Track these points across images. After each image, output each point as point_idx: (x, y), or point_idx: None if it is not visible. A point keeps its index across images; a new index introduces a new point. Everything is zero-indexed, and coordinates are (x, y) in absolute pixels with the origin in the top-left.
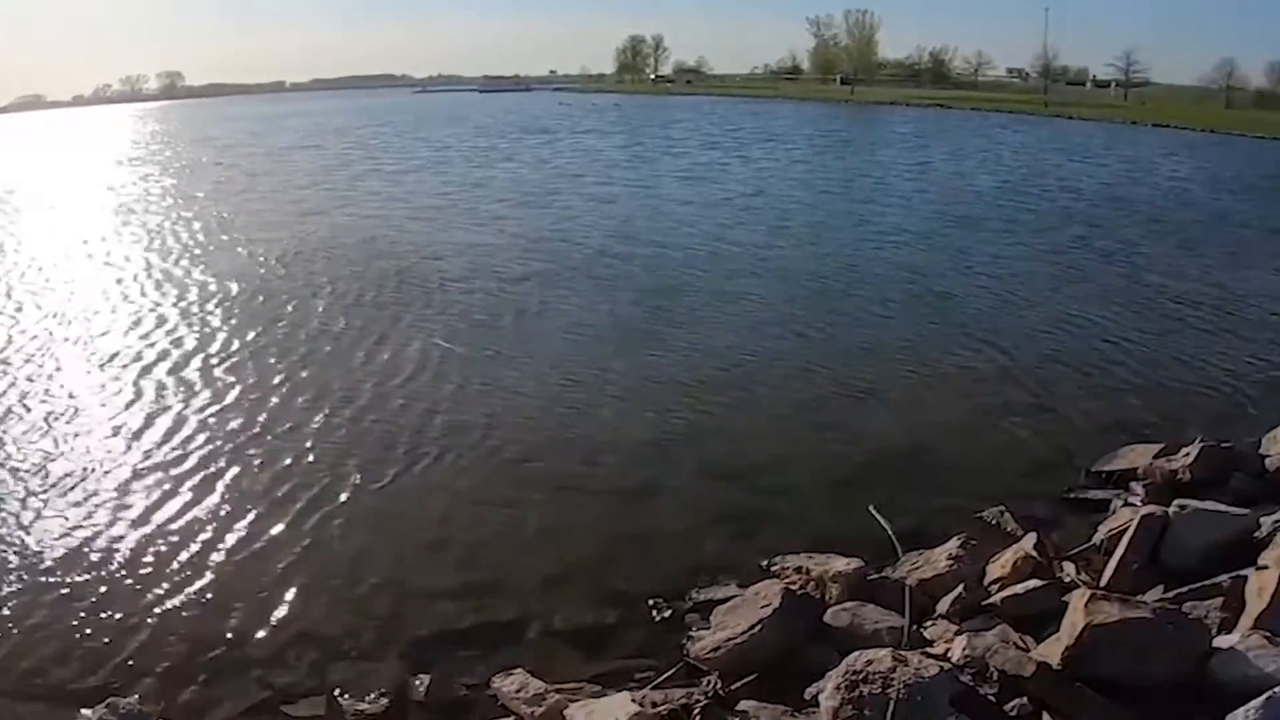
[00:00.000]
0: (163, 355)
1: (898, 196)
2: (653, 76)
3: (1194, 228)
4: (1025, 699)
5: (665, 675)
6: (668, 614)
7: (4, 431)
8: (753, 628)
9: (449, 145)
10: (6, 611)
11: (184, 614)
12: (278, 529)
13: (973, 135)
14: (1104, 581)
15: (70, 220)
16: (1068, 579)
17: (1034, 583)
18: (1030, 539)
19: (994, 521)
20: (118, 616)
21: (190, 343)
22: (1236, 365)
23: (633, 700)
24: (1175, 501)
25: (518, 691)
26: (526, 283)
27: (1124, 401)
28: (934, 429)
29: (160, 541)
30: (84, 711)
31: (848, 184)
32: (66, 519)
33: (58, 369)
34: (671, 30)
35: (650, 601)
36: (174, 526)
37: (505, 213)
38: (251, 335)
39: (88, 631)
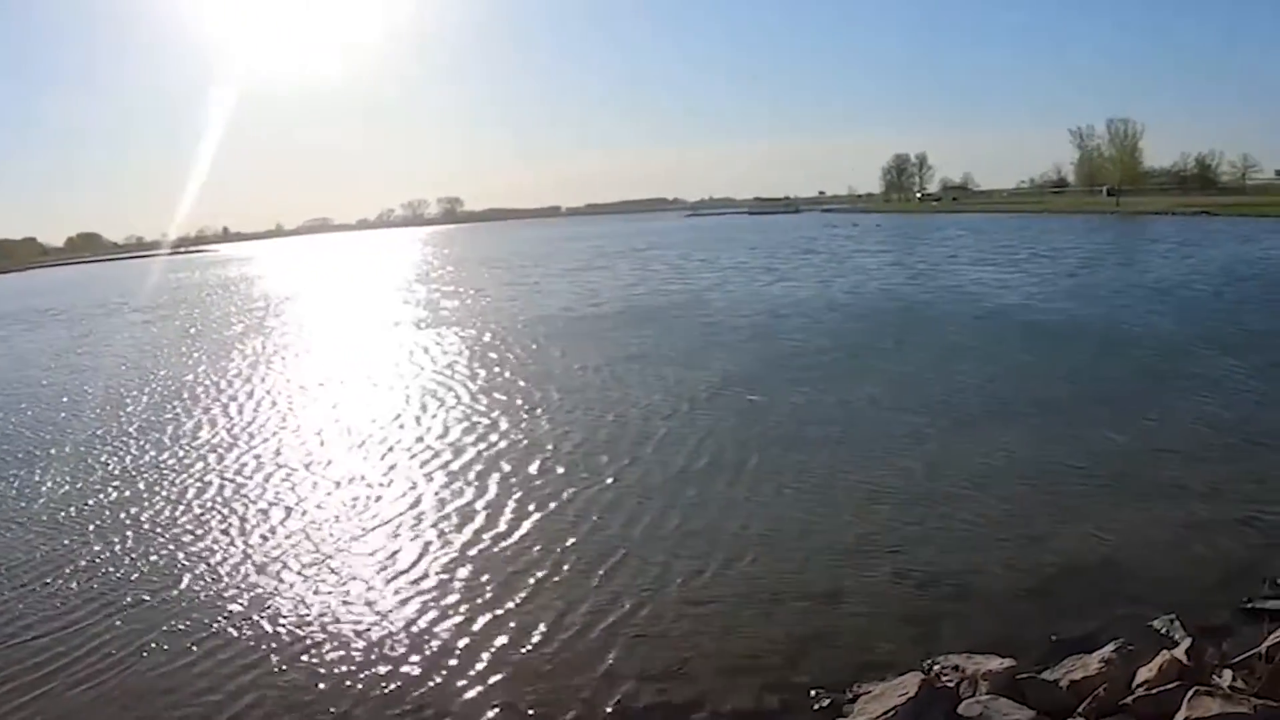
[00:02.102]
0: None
1: (1157, 305)
2: (919, 195)
3: None
4: None
5: None
6: (826, 703)
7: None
8: (886, 713)
9: (727, 266)
10: None
11: None
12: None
13: (1240, 244)
14: (1259, 689)
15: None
16: (1225, 684)
17: (1172, 684)
18: (1184, 644)
19: (1163, 629)
20: None
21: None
22: None
23: None
24: None
25: None
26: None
27: None
28: (1127, 542)
29: None
30: None
31: (1116, 294)
32: None
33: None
34: (935, 147)
35: (813, 692)
36: None
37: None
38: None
39: None
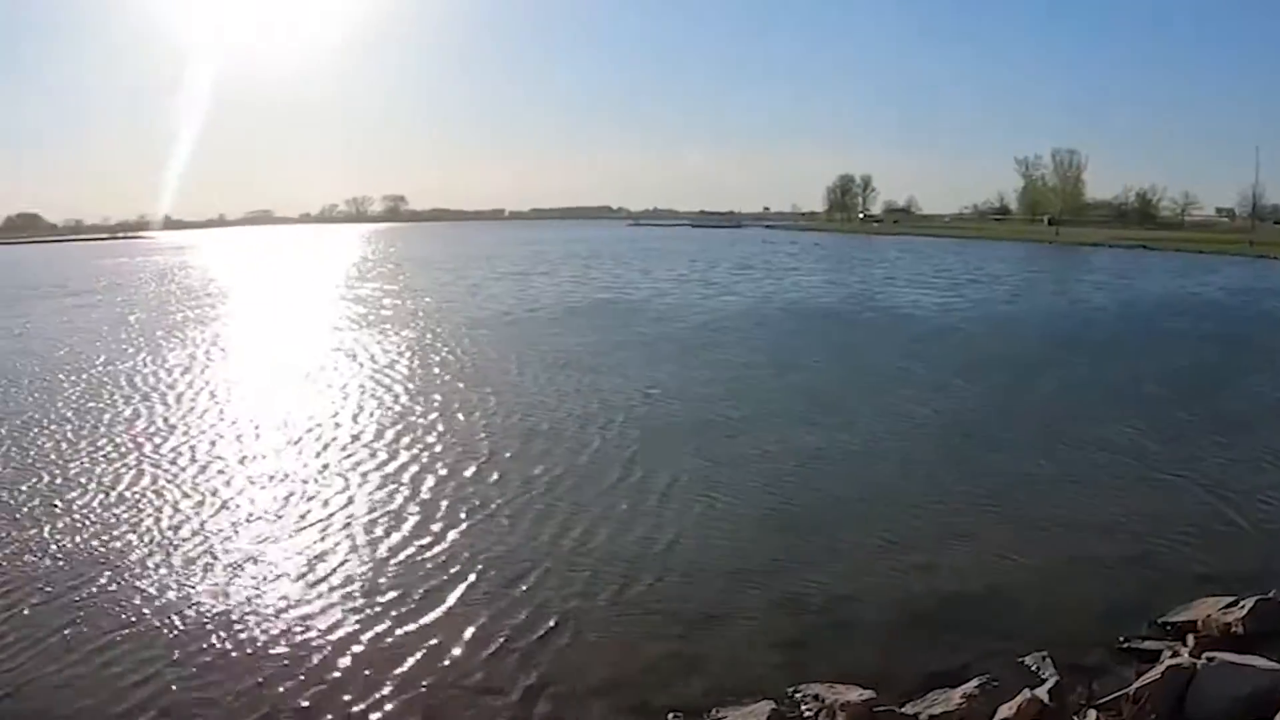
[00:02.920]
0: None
1: (1093, 334)
2: (861, 215)
3: None
4: None
5: None
6: None
7: None
8: None
9: (661, 277)
10: None
11: None
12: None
13: (1176, 277)
14: None
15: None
16: None
17: None
18: (1049, 683)
19: (1034, 666)
20: None
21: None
22: None
23: None
24: (1205, 654)
25: None
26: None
27: (1229, 553)
28: (1015, 575)
29: None
30: None
31: (1046, 322)
32: None
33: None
34: (882, 168)
35: (670, 715)
36: None
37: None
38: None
39: None
